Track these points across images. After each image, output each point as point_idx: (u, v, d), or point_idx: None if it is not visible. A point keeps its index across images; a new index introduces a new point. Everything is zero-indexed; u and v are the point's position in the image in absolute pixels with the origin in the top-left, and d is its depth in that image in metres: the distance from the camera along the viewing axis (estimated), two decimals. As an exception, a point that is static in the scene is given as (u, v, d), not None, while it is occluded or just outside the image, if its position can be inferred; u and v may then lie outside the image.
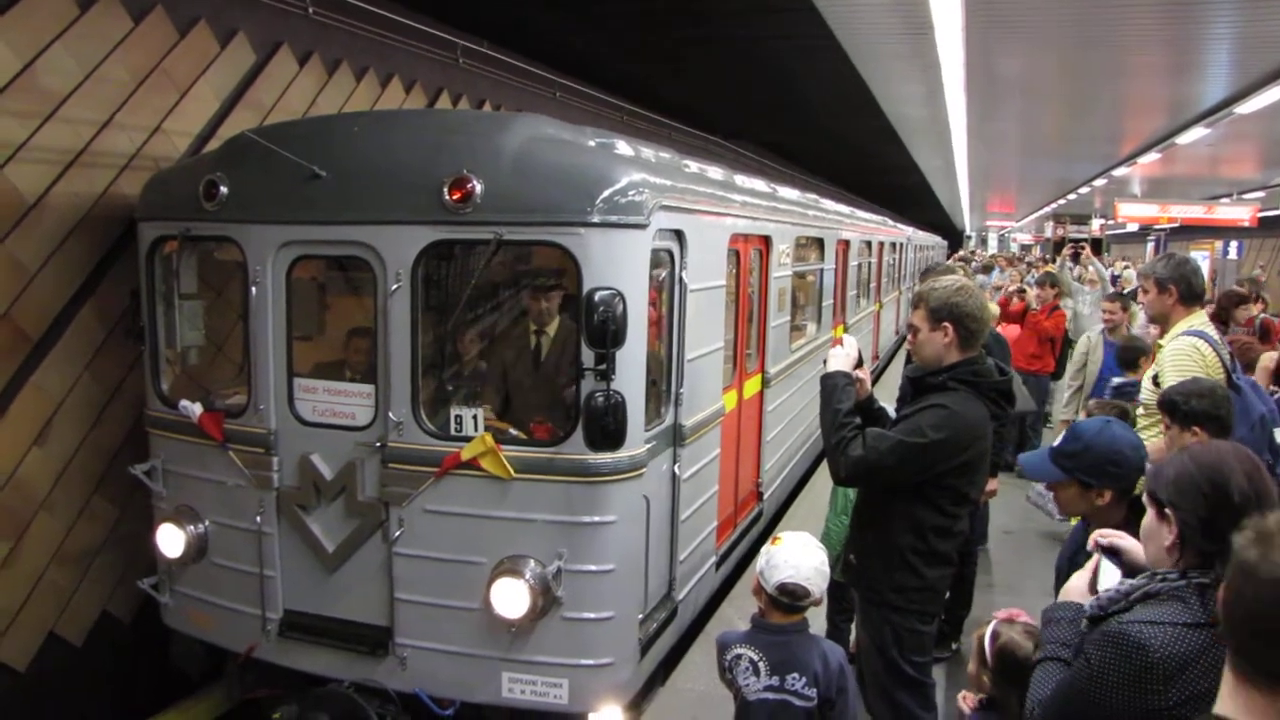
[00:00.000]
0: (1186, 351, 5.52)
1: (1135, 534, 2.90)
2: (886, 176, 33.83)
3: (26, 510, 6.37)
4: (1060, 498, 3.77)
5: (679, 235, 5.88)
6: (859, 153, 26.48)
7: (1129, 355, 7.80)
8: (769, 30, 12.20)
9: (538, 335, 6.09)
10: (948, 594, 4.94)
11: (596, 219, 5.07)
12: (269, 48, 8.27)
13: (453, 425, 5.46)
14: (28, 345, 6.30)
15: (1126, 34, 10.11)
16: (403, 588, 5.42)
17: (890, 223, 23.15)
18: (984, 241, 61.79)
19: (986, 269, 24.54)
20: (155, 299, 6.15)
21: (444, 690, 5.42)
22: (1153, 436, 5.09)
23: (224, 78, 7.80)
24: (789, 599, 3.95)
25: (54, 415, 6.48)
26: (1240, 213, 24.75)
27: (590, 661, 5.31)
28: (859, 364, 4.57)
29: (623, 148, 6.21)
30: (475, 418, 5.47)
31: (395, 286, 5.27)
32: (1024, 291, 13.41)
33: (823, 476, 10.47)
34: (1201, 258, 22.80)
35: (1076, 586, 2.99)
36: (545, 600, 5.13)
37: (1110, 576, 2.90)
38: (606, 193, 5.13)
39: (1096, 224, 33.96)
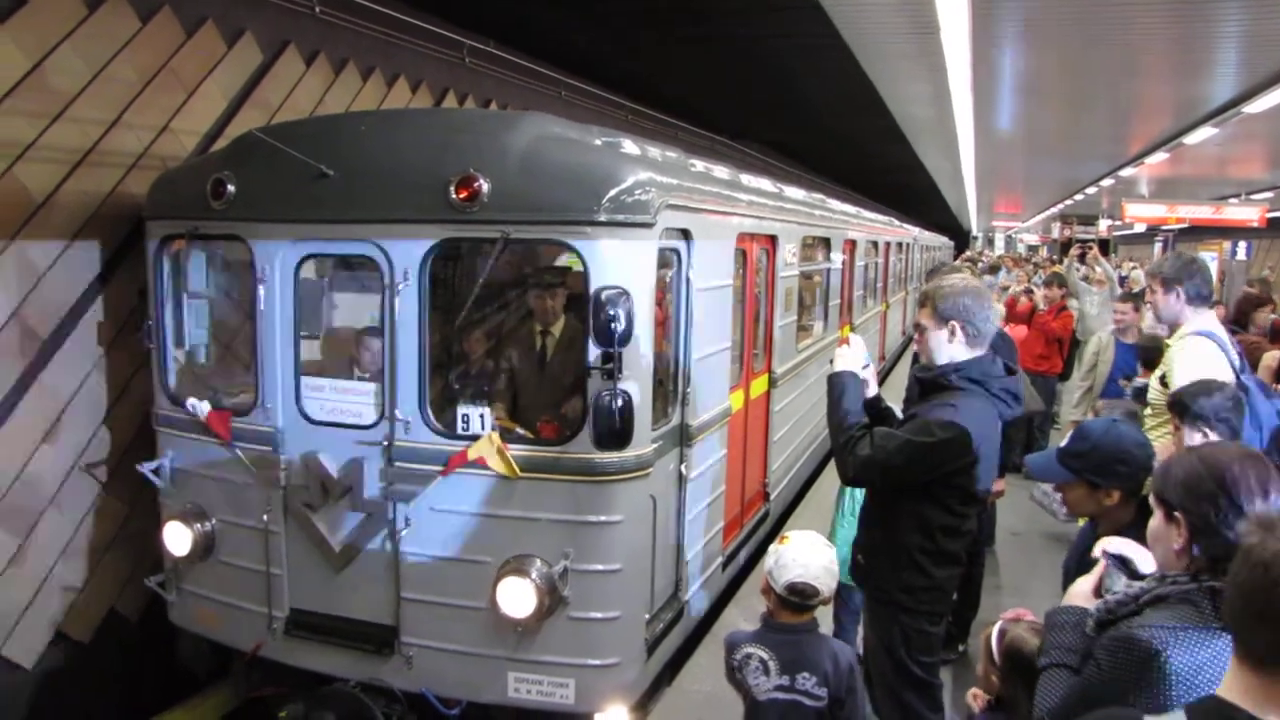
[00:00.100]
0: (1194, 351, 5.50)
1: (1143, 533, 2.87)
2: (892, 176, 33.79)
3: (36, 507, 6.38)
4: (1069, 498, 3.76)
5: (685, 234, 5.88)
6: (865, 153, 26.46)
7: (1150, 355, 7.74)
8: (774, 29, 12.20)
9: (543, 335, 6.09)
10: (955, 595, 4.93)
11: (603, 218, 5.07)
12: (276, 47, 8.28)
13: (459, 424, 5.47)
14: (37, 343, 6.33)
15: (1134, 33, 10.08)
16: (409, 587, 5.42)
17: (896, 223, 23.13)
18: (990, 242, 61.67)
19: (993, 269, 24.43)
20: (163, 298, 6.16)
21: (450, 690, 5.42)
22: (1160, 437, 5.07)
23: (231, 77, 7.82)
24: (799, 598, 3.94)
25: (63, 413, 6.50)
26: (1249, 213, 24.64)
27: (596, 661, 5.31)
28: (866, 364, 4.57)
29: (629, 147, 6.21)
30: (482, 416, 5.47)
31: (402, 285, 5.28)
32: (1031, 292, 13.38)
33: (830, 477, 10.45)
34: (1210, 258, 22.69)
35: (1081, 591, 2.93)
36: (551, 600, 5.13)
37: (1117, 580, 2.88)
38: (613, 192, 5.12)
39: (1104, 224, 33.91)
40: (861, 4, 9.31)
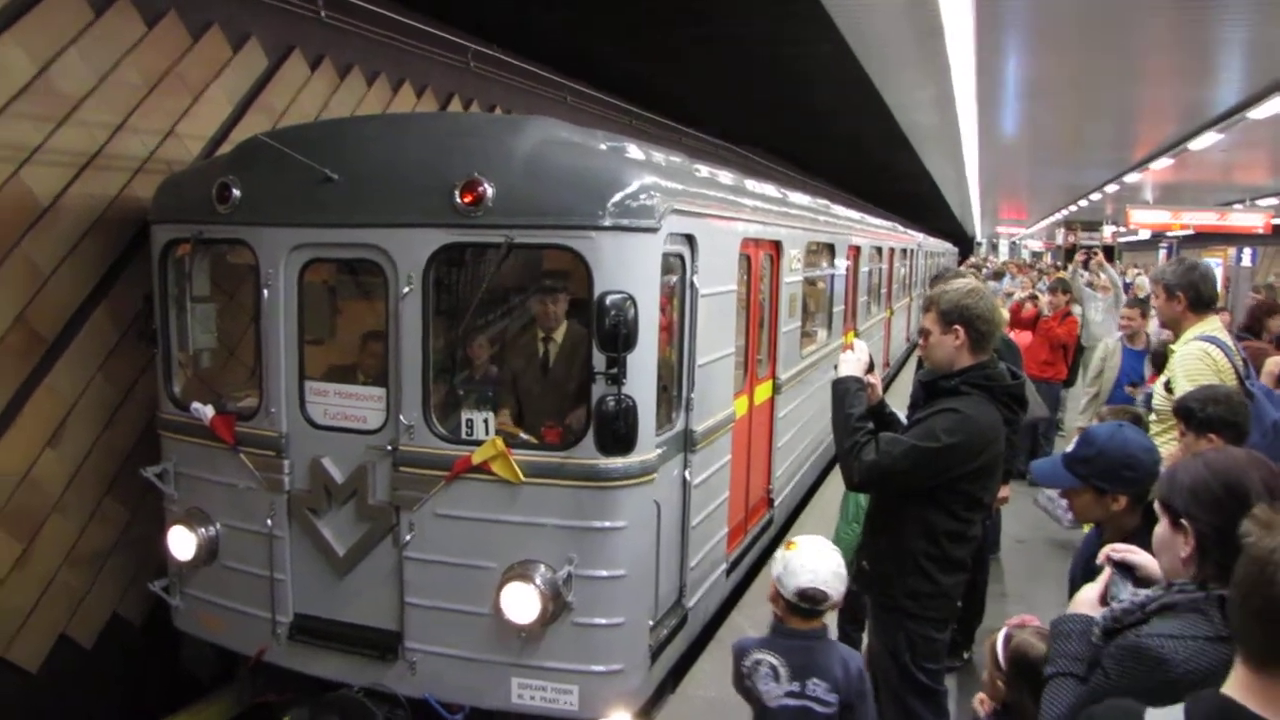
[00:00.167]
0: (1199, 356, 5.49)
1: (1150, 539, 2.85)
2: (897, 183, 33.78)
3: (40, 511, 6.39)
4: (1075, 504, 3.74)
5: (690, 239, 5.87)
6: (870, 158, 26.46)
7: (1162, 361, 7.71)
8: (778, 33, 12.19)
9: (545, 342, 6.08)
10: (960, 601, 4.91)
11: (608, 222, 5.06)
12: (281, 52, 8.29)
13: (463, 429, 5.46)
14: (42, 346, 6.33)
15: (1138, 38, 10.09)
16: (413, 592, 5.41)
17: (901, 229, 23.10)
18: (995, 248, 61.64)
19: (998, 275, 24.45)
20: (168, 302, 6.17)
21: (453, 695, 5.41)
22: (1166, 444, 5.06)
23: (236, 81, 7.82)
24: (809, 604, 3.92)
25: (67, 417, 6.50)
26: (1254, 219, 24.64)
27: (600, 668, 5.29)
28: (870, 369, 4.56)
29: (634, 151, 6.21)
30: (486, 421, 5.47)
31: (407, 289, 5.27)
32: (1036, 298, 13.35)
33: (834, 484, 10.43)
34: (1215, 264, 22.67)
35: (1086, 599, 2.92)
36: (555, 605, 5.12)
37: (1123, 588, 2.86)
38: (618, 196, 5.12)
39: (1108, 231, 33.84)
40: (866, 8, 9.32)
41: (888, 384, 15.61)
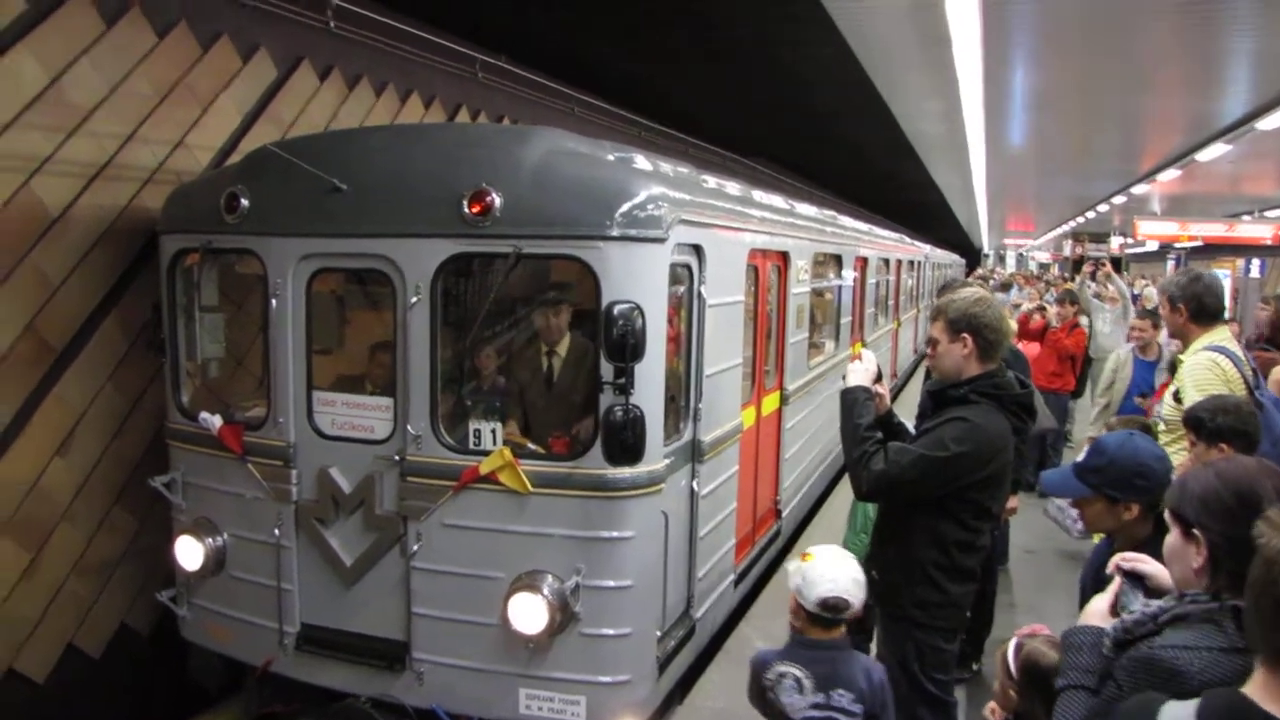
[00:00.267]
0: (1207, 366, 5.48)
1: (1160, 548, 2.83)
2: (904, 194, 33.83)
3: (49, 521, 6.40)
4: (1087, 514, 3.72)
5: (697, 250, 5.87)
6: (877, 169, 26.50)
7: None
8: (785, 44, 12.22)
9: (549, 356, 6.07)
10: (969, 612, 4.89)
11: (615, 232, 5.06)
12: (290, 63, 8.33)
13: (471, 439, 5.46)
14: (51, 356, 6.35)
15: (1146, 48, 10.09)
16: (420, 602, 5.40)
17: (908, 240, 23.09)
18: (1002, 260, 61.60)
19: (1005, 286, 24.39)
20: (176, 311, 6.18)
21: (461, 706, 5.39)
22: (1175, 453, 5.03)
23: (246, 92, 7.86)
24: (831, 613, 3.90)
25: (76, 426, 6.52)
26: (1262, 231, 24.57)
27: (608, 679, 5.27)
28: (878, 378, 4.55)
29: (641, 162, 6.21)
30: (494, 432, 5.46)
31: (414, 299, 5.28)
32: (1044, 309, 13.33)
33: (841, 495, 10.42)
34: (1223, 276, 22.60)
35: (1097, 610, 2.88)
36: (563, 616, 5.11)
37: (1133, 599, 2.84)
38: (625, 206, 5.12)
39: (1116, 242, 33.80)
40: (872, 19, 9.34)
41: (895, 395, 15.60)
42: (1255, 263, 25.34)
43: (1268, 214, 27.32)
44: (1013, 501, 6.43)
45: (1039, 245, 55.48)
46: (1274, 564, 1.90)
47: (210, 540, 5.91)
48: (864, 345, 12.80)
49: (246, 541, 5.86)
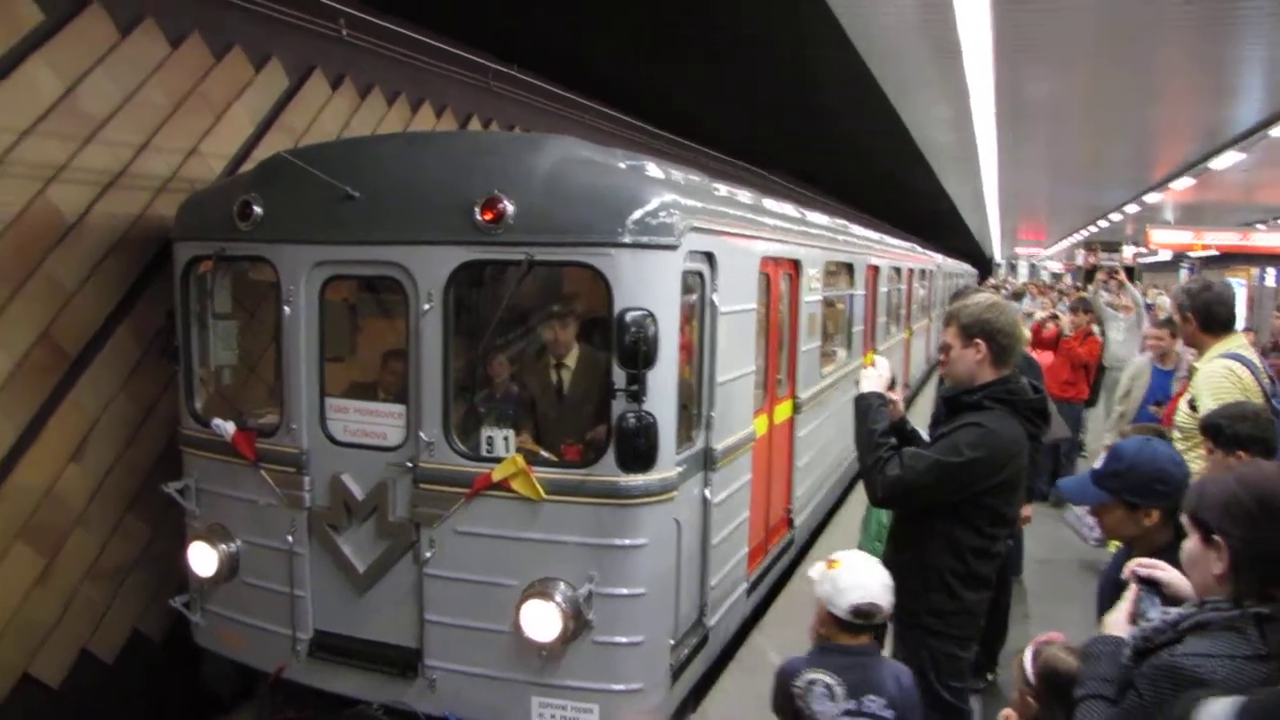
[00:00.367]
0: (1223, 374, 5.47)
1: (1179, 554, 2.80)
2: (915, 203, 33.74)
3: (63, 526, 6.42)
4: (1106, 521, 3.68)
5: (709, 258, 5.86)
6: (888, 179, 26.45)
7: None
8: (795, 54, 12.20)
9: (558, 369, 6.06)
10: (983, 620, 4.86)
11: (628, 239, 5.06)
12: (302, 72, 8.38)
13: (484, 446, 5.45)
14: (66, 363, 6.38)
15: (1158, 57, 10.06)
16: (433, 609, 5.40)
17: (919, 250, 23.05)
18: (1014, 269, 61.46)
19: (1017, 296, 24.34)
20: (190, 319, 6.20)
21: (473, 713, 5.38)
22: (1191, 461, 5.00)
23: (258, 101, 7.91)
24: (863, 619, 3.88)
25: (90, 432, 6.54)
26: (1277, 239, 24.49)
27: (621, 687, 5.25)
28: (891, 385, 4.54)
29: (653, 169, 6.21)
30: (506, 439, 5.45)
31: (427, 306, 5.28)
32: (1057, 317, 13.27)
33: (853, 504, 10.39)
34: (1238, 285, 22.51)
35: (1116, 621, 2.86)
36: (576, 623, 5.09)
37: (1151, 607, 2.81)
38: (638, 213, 5.12)
39: (1129, 251, 33.68)
40: (883, 28, 9.34)
41: (907, 404, 15.53)
42: (1270, 271, 25.23)
43: (1282, 223, 27.21)
44: (1026, 510, 6.40)
45: (1051, 255, 55.33)
46: None
47: (223, 546, 5.92)
48: (876, 354, 12.76)
49: (259, 548, 5.86)
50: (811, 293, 8.77)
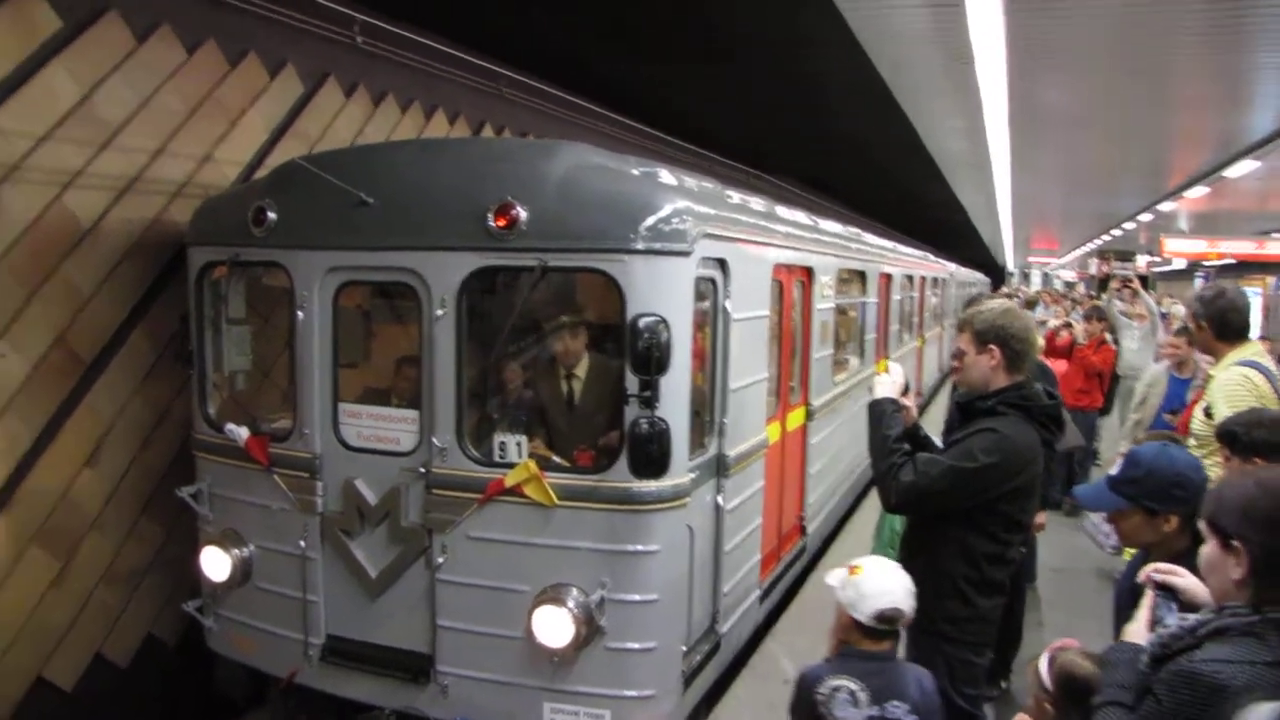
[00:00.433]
0: (1239, 382, 5.44)
1: (1196, 560, 2.78)
2: (928, 212, 33.72)
3: (78, 530, 6.44)
4: (1124, 528, 3.65)
5: (722, 264, 5.86)
6: (901, 188, 26.45)
7: None
8: (808, 63, 12.20)
9: (569, 379, 6.06)
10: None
11: (641, 245, 5.06)
12: (316, 79, 8.42)
13: (496, 451, 5.45)
14: (81, 367, 6.41)
15: (1172, 65, 10.03)
16: (445, 615, 5.39)
17: (932, 258, 22.99)
18: (1027, 278, 61.25)
19: (1030, 304, 24.26)
20: (204, 323, 6.23)
21: (485, 719, 5.37)
22: (1207, 469, 4.97)
23: (273, 108, 7.95)
24: (887, 625, 3.87)
25: (105, 436, 6.57)
26: (1293, 248, 24.36)
27: (633, 693, 5.24)
28: (905, 391, 4.53)
29: (666, 176, 6.22)
30: (519, 444, 5.45)
31: (440, 312, 5.29)
32: (1071, 326, 13.23)
33: (866, 511, 10.35)
34: (1253, 294, 22.38)
35: (1136, 630, 2.83)
36: (588, 630, 5.08)
37: (1168, 613, 2.79)
38: (651, 220, 5.12)
39: (1143, 260, 33.55)
40: (895, 37, 9.34)
41: (920, 412, 15.47)
42: (1286, 280, 25.04)
43: (1298, 231, 27.07)
44: (1040, 518, 6.37)
45: (1064, 264, 55.12)
46: None
47: (236, 551, 5.93)
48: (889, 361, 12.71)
49: (272, 553, 5.87)
50: (824, 300, 8.76)
